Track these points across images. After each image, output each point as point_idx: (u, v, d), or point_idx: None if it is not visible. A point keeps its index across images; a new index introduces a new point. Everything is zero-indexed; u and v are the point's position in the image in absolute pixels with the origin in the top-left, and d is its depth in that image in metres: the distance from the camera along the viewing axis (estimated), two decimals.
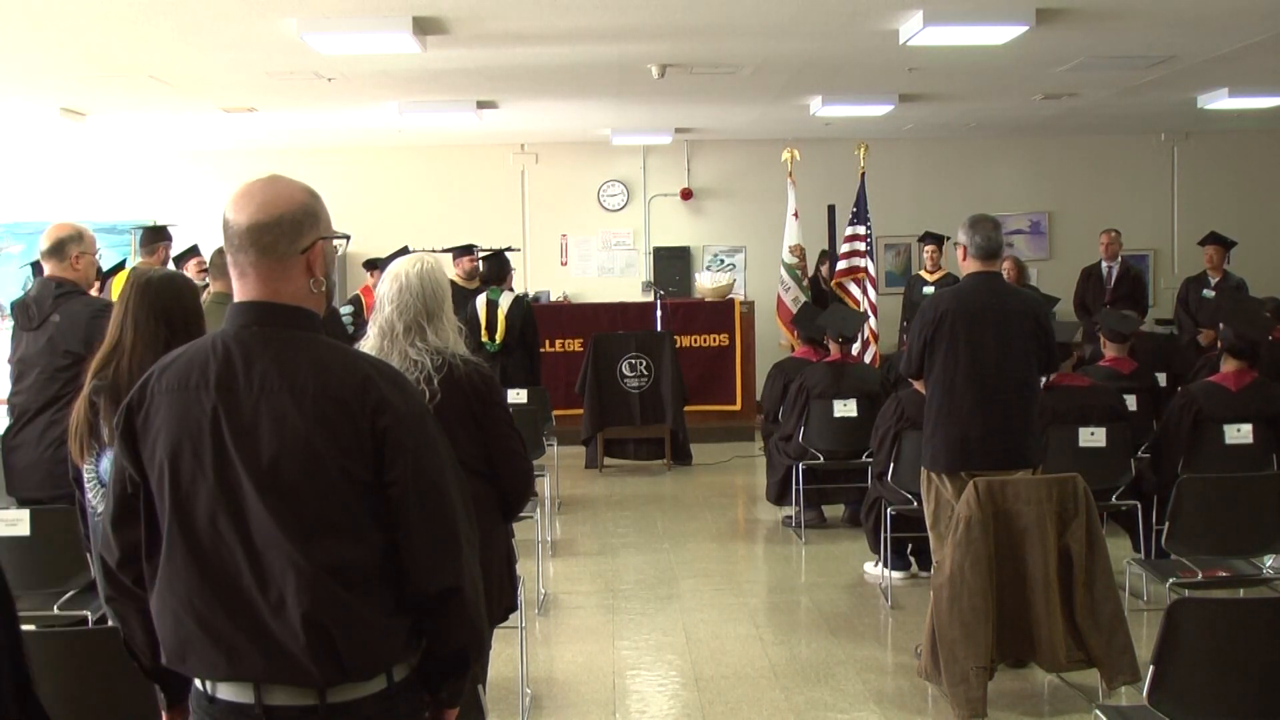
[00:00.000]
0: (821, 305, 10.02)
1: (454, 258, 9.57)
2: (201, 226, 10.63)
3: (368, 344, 3.39)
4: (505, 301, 8.89)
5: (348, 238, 2.35)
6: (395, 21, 6.71)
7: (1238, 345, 6.21)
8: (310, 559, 2.07)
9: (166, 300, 3.44)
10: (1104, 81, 9.59)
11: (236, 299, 2.21)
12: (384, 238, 10.48)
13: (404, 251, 6.63)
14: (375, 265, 10.03)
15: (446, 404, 3.26)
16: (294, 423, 2.10)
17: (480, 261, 9.72)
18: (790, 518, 8.00)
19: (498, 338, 8.76)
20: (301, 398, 2.11)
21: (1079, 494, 4.61)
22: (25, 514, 4.47)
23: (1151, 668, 3.22)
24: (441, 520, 2.16)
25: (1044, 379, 5.91)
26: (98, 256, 5.42)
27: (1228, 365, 6.23)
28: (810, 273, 11.44)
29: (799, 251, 11.16)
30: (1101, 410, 6.24)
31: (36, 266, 6.61)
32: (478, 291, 9.11)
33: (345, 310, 9.24)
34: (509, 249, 9.71)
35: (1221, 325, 6.82)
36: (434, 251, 5.36)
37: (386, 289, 3.40)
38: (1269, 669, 3.22)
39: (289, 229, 2.16)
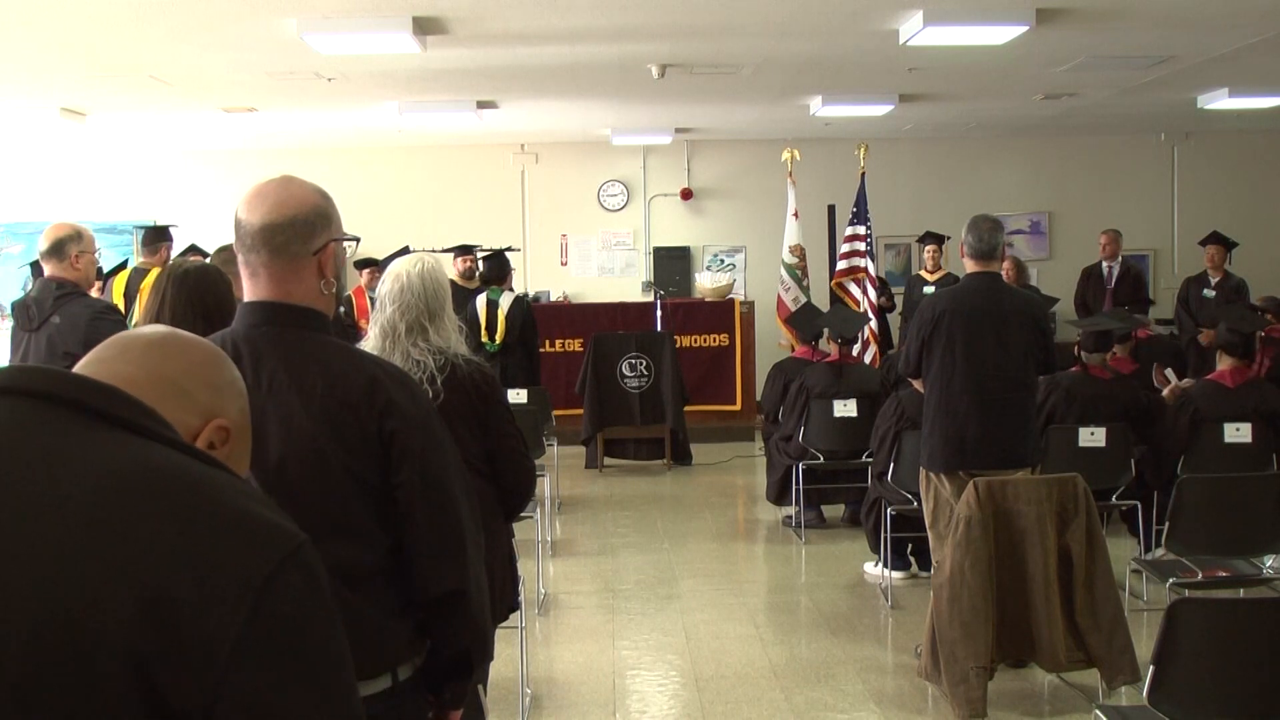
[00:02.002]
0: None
1: (454, 257, 9.58)
2: (202, 226, 10.63)
3: (368, 345, 3.39)
4: (505, 301, 8.90)
5: (358, 240, 2.36)
6: (395, 21, 6.71)
7: (1230, 340, 6.23)
8: None
9: (204, 292, 3.42)
10: (1104, 81, 9.59)
11: (247, 298, 2.22)
12: (384, 238, 10.47)
13: (404, 251, 6.63)
14: (368, 265, 10.05)
15: (450, 404, 3.26)
16: (301, 423, 2.11)
17: (478, 261, 9.73)
18: (790, 518, 8.00)
19: (498, 338, 8.76)
20: (309, 399, 2.12)
21: (1079, 494, 4.61)
22: None
23: (1151, 668, 3.22)
24: (447, 522, 2.17)
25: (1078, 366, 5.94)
26: (97, 256, 5.42)
27: (1223, 363, 6.25)
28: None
29: (799, 251, 11.16)
30: (1113, 406, 6.26)
31: (36, 267, 6.61)
32: (477, 292, 9.12)
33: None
34: (509, 249, 9.72)
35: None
36: (434, 251, 5.36)
37: (388, 289, 3.39)
38: (1269, 669, 3.22)
39: (302, 230, 2.17)
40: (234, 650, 1.03)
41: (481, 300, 8.86)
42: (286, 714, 1.07)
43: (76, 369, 1.30)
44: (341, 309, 9.50)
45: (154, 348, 1.35)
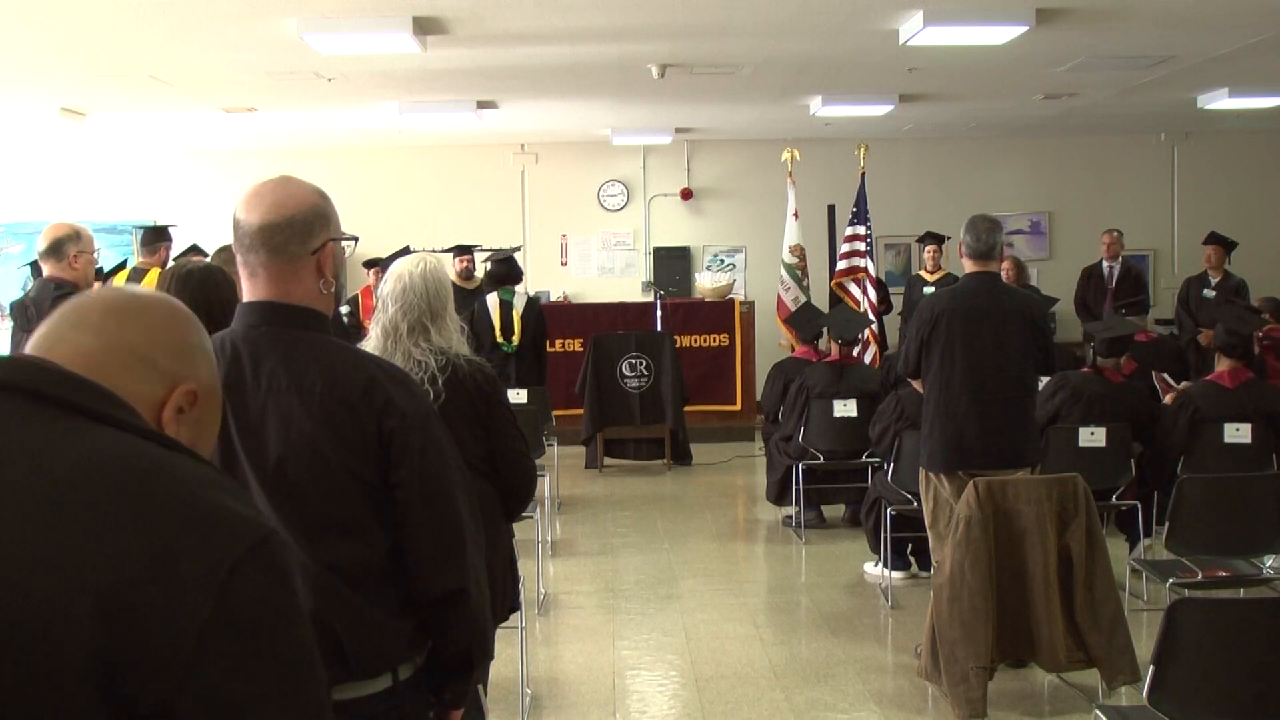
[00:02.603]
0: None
1: (453, 258, 9.60)
2: (202, 226, 10.62)
3: (370, 344, 3.38)
4: (519, 303, 8.91)
5: (356, 239, 2.36)
6: (395, 21, 6.71)
7: (1229, 342, 6.24)
8: (316, 558, 2.08)
9: (208, 292, 3.40)
10: (1104, 81, 9.59)
11: (246, 299, 2.22)
12: (384, 238, 10.47)
13: (406, 251, 6.63)
14: (375, 265, 10.04)
15: (451, 404, 3.26)
16: (300, 423, 2.11)
17: (474, 262, 9.73)
18: (790, 518, 8.00)
19: (514, 338, 8.77)
20: (308, 398, 2.12)
21: (1079, 494, 4.61)
22: None
23: (1151, 668, 3.22)
24: (446, 522, 2.17)
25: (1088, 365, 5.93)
26: (96, 256, 5.42)
27: (1222, 364, 6.26)
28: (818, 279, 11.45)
29: (799, 251, 11.16)
30: (1118, 407, 6.25)
31: (35, 267, 6.61)
32: (476, 292, 9.12)
33: (342, 311, 9.23)
34: (516, 249, 9.73)
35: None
36: (435, 251, 5.36)
37: (390, 289, 3.39)
38: (1269, 669, 3.22)
39: (300, 230, 2.17)
40: (197, 645, 1.02)
41: (494, 301, 8.86)
42: (250, 709, 1.05)
43: (30, 344, 1.24)
44: (346, 309, 9.51)
45: (111, 315, 1.27)
